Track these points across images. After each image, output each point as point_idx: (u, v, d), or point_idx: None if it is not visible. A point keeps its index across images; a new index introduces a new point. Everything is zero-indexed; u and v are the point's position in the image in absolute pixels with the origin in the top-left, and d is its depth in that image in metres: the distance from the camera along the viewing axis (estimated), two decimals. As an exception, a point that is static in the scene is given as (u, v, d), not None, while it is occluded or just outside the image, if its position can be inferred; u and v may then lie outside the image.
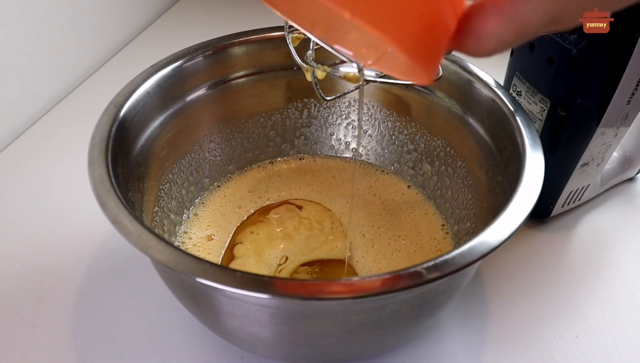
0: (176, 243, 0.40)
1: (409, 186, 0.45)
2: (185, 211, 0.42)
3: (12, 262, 0.41)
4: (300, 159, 0.48)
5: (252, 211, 0.43)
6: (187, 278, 0.26)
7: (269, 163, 0.48)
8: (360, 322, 0.28)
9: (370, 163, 0.48)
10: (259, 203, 0.44)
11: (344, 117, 0.47)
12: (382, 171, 0.47)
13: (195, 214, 0.43)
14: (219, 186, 0.45)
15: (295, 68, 0.43)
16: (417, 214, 0.43)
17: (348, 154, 0.48)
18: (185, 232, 0.41)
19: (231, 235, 0.41)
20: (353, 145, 0.48)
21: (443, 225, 0.42)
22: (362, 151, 0.48)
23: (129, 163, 0.35)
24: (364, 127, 0.47)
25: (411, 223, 0.42)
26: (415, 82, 0.25)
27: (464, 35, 0.19)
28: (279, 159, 0.48)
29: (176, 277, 0.30)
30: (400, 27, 0.18)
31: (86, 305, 0.38)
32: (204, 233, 0.41)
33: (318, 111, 0.47)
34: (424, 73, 0.20)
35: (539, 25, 0.18)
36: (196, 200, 0.44)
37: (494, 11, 0.18)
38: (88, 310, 0.38)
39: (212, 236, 0.41)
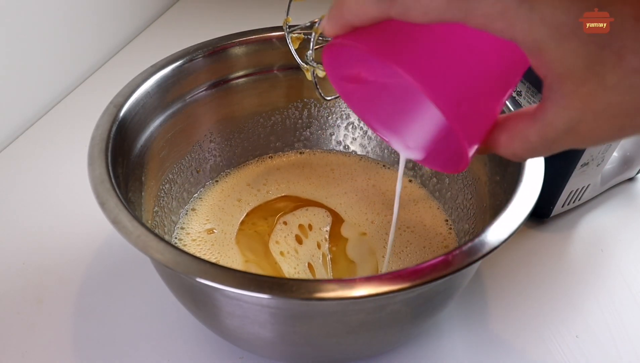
0: (173, 241, 0.40)
1: (410, 180, 0.45)
2: (182, 207, 0.42)
3: (12, 262, 0.41)
4: (300, 153, 0.48)
5: (253, 206, 0.43)
6: (187, 278, 0.26)
7: (269, 157, 0.48)
8: (360, 322, 0.28)
9: (369, 157, 0.48)
10: (258, 196, 0.44)
11: (344, 117, 0.47)
12: (383, 165, 0.47)
13: (193, 210, 0.42)
14: (217, 181, 0.45)
15: (295, 68, 0.43)
16: (421, 208, 0.43)
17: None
18: (182, 228, 0.41)
19: (237, 227, 0.41)
20: (353, 148, 0.48)
21: (446, 220, 0.42)
22: (362, 150, 0.48)
23: (129, 163, 0.35)
24: (363, 128, 0.47)
25: (416, 215, 0.42)
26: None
27: (502, 130, 0.22)
28: (279, 153, 0.48)
29: (176, 277, 0.30)
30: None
31: (86, 305, 0.38)
32: (203, 227, 0.41)
33: (318, 111, 0.47)
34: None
35: (560, 129, 0.20)
36: (194, 196, 0.44)
37: (527, 114, 0.21)
38: (88, 310, 0.38)
39: (213, 230, 0.41)
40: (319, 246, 0.40)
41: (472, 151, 0.23)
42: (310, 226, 0.41)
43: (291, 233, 0.41)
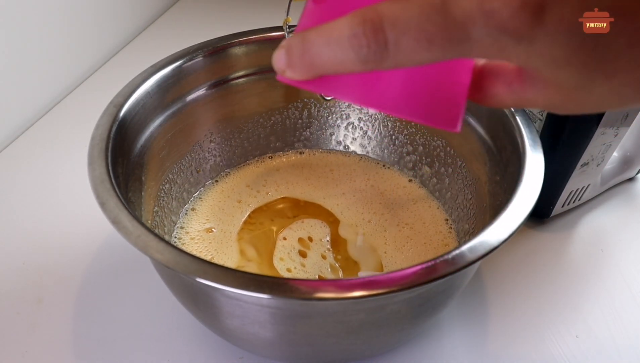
0: (173, 240, 0.40)
1: (410, 180, 0.45)
2: (182, 207, 0.42)
3: (12, 262, 0.41)
4: (300, 153, 0.48)
5: (254, 207, 0.43)
6: (187, 278, 0.26)
7: (269, 157, 0.48)
8: (360, 322, 0.28)
9: (369, 157, 0.48)
10: (258, 197, 0.44)
11: (344, 118, 0.47)
12: (383, 165, 0.47)
13: (193, 210, 0.43)
14: (216, 181, 0.45)
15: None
16: (420, 207, 0.43)
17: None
18: (181, 227, 0.41)
19: (238, 227, 0.41)
20: (353, 148, 0.48)
21: (446, 220, 0.42)
22: (362, 150, 0.48)
23: (129, 163, 0.35)
24: (363, 128, 0.47)
25: (415, 214, 0.42)
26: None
27: (475, 89, 0.22)
28: (279, 153, 0.48)
29: (176, 277, 0.30)
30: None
31: (86, 305, 0.38)
32: (202, 226, 0.41)
33: (318, 111, 0.47)
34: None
35: (537, 105, 0.21)
36: (194, 195, 0.44)
37: (504, 81, 0.21)
38: (88, 310, 0.38)
39: (212, 229, 0.41)
40: (324, 257, 0.40)
41: (460, 119, 0.22)
42: (310, 239, 0.41)
43: (294, 249, 0.40)
